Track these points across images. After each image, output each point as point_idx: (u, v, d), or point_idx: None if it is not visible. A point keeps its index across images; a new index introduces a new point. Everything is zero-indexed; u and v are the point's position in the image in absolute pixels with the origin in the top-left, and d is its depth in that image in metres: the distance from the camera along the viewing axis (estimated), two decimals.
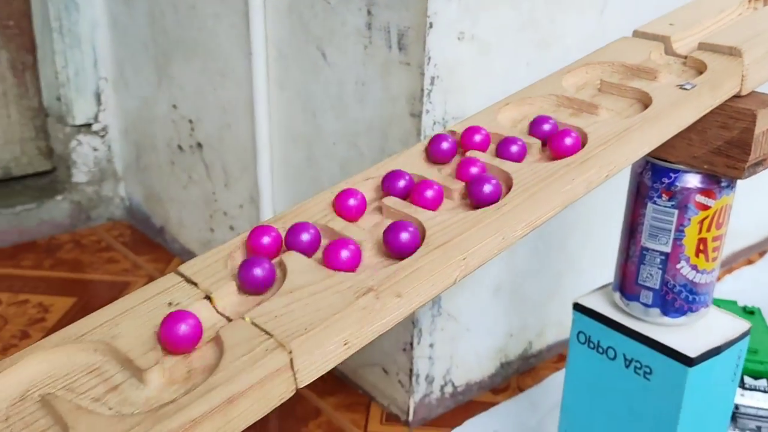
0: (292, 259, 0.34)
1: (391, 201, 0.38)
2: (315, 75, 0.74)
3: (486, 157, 0.40)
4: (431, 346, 0.73)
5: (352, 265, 0.34)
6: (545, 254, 0.80)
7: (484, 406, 0.78)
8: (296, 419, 0.76)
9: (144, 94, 1.05)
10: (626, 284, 0.56)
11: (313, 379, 0.31)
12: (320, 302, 0.32)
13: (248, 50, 0.80)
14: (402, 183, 0.39)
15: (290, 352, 0.30)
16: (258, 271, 0.33)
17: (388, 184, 0.39)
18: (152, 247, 1.09)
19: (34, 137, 1.17)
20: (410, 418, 0.75)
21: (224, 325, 0.31)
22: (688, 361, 0.52)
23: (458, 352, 0.76)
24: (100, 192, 1.17)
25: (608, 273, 0.63)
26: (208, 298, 0.33)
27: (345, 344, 0.31)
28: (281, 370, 0.29)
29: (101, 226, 1.17)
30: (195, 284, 0.34)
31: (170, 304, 0.33)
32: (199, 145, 0.96)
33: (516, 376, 0.83)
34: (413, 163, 0.41)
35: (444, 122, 0.65)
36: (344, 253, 0.34)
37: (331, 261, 0.34)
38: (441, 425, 0.75)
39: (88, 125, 1.13)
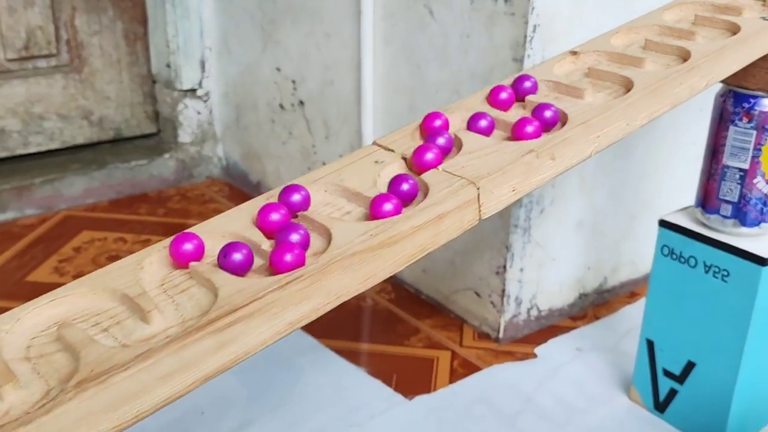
0: (465, 133, 0.44)
1: (533, 97, 0.48)
2: (421, 30, 0.84)
3: (609, 68, 0.49)
4: (521, 270, 0.82)
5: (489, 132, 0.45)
6: (622, 197, 0.89)
7: (565, 330, 0.88)
8: (398, 335, 0.86)
9: (247, 60, 1.16)
10: (708, 200, 0.65)
11: (490, 215, 0.41)
12: (494, 159, 0.41)
13: (357, 11, 0.90)
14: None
15: (478, 188, 0.39)
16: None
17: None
18: None
19: (142, 102, 1.29)
20: (500, 335, 0.84)
21: (423, 174, 0.41)
22: (762, 261, 0.61)
23: (543, 279, 0.85)
24: (201, 152, 1.29)
25: None
26: (404, 159, 0.43)
27: (513, 190, 0.41)
28: (472, 201, 0.39)
29: (202, 183, 1.29)
30: (392, 150, 0.44)
31: (376, 162, 0.43)
32: (301, 102, 1.07)
33: (592, 307, 0.92)
34: (547, 73, 0.51)
35: None
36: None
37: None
38: (527, 343, 0.85)
39: (193, 90, 1.25)
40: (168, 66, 1.23)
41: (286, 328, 0.34)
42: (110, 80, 1.25)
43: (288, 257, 0.35)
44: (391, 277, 0.95)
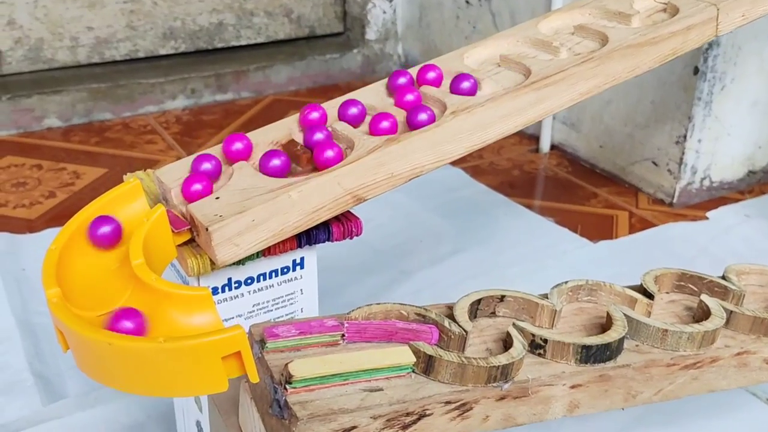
0: None
1: None
2: None
3: None
4: (699, 141, 0.92)
5: None
6: None
7: (733, 201, 0.96)
8: (579, 198, 0.98)
9: None
10: None
11: (723, 33, 0.52)
12: None
13: None
14: None
15: (718, 9, 0.50)
16: None
17: None
18: None
19: (333, 3, 1.44)
20: (674, 201, 0.94)
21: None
22: None
23: (718, 152, 0.94)
24: (384, 49, 1.43)
25: None
26: None
27: (742, 16, 0.52)
28: (712, 19, 0.50)
29: (383, 77, 1.43)
30: None
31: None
32: None
33: (759, 184, 1.00)
34: None
35: None
36: None
37: None
38: (699, 209, 0.94)
39: None
40: None
41: (578, 96, 0.47)
42: None
43: None
44: (567, 152, 1.06)
